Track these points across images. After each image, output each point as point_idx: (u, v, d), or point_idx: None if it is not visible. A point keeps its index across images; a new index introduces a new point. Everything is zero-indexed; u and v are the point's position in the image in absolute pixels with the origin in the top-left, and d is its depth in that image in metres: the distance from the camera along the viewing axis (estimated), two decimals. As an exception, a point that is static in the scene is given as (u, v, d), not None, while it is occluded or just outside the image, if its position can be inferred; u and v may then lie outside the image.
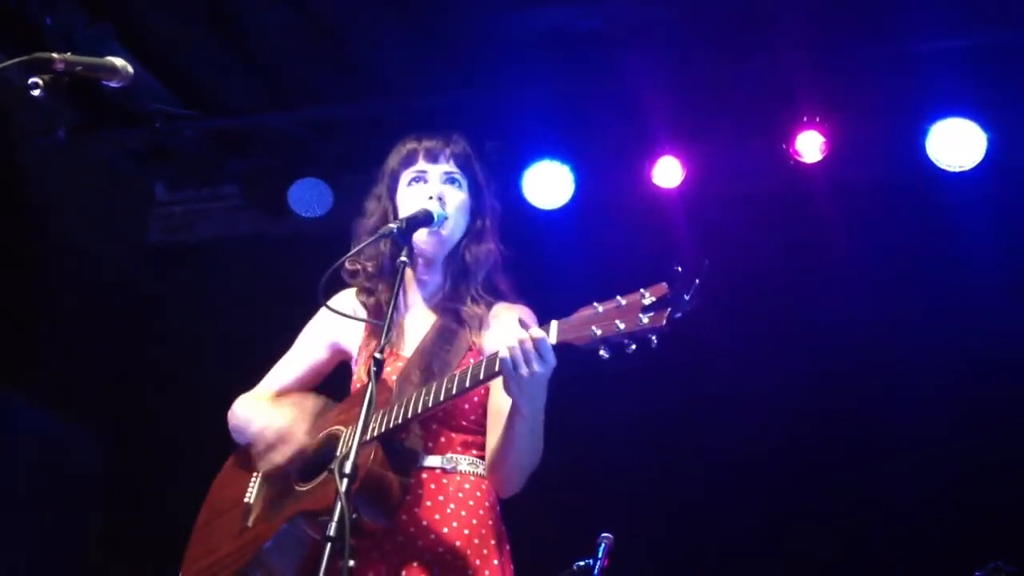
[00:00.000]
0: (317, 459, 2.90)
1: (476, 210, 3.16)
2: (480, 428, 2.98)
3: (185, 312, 6.18)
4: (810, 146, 5.34)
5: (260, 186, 6.10)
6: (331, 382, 3.33)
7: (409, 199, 3.10)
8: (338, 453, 2.78)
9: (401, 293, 3.02)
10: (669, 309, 2.45)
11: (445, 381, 2.73)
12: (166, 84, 5.64)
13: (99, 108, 5.77)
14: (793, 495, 5.29)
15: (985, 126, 5.16)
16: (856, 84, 5.33)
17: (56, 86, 2.53)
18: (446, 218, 3.03)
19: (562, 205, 5.67)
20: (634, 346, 2.49)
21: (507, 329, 2.81)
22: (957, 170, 5.19)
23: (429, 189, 3.07)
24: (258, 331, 5.99)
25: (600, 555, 4.28)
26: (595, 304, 2.56)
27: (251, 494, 3.03)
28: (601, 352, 2.52)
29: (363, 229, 3.19)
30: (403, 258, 2.82)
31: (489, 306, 3.12)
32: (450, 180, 3.11)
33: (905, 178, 5.38)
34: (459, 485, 2.91)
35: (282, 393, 3.24)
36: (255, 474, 3.05)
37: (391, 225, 2.87)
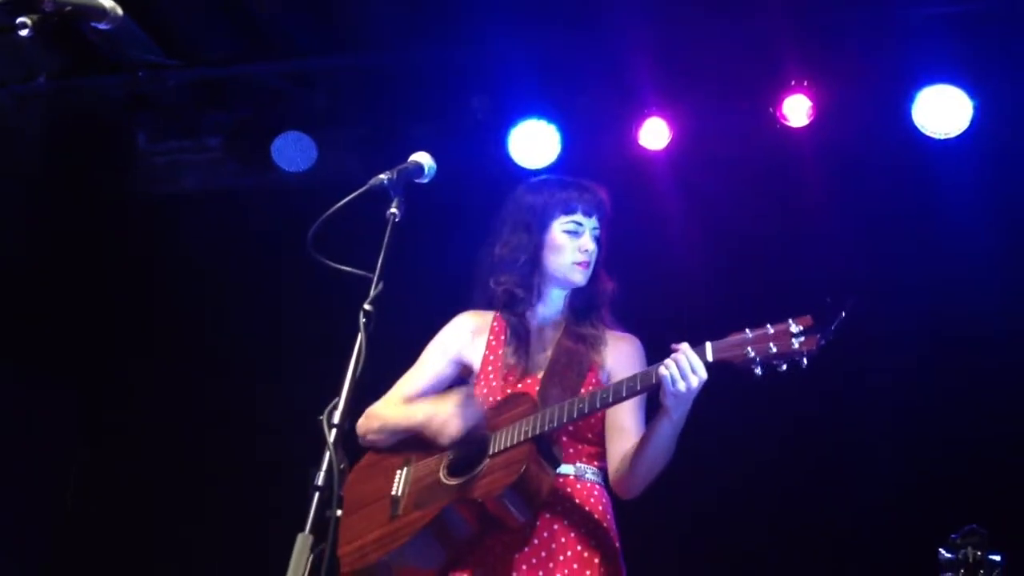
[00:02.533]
0: (464, 458, 3.18)
1: (603, 253, 3.51)
2: (600, 441, 3.30)
3: (168, 263, 6.13)
4: (797, 110, 5.33)
5: (243, 138, 6.04)
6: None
7: (561, 246, 3.43)
8: (491, 451, 3.10)
9: (529, 311, 3.46)
10: (818, 335, 2.77)
11: (600, 391, 3.07)
12: (148, 31, 5.55)
13: (80, 55, 5.67)
14: (769, 464, 5.29)
15: (972, 93, 5.15)
16: (844, 49, 5.31)
17: (44, 27, 2.49)
18: (436, 170, 3.04)
19: (548, 165, 5.62)
20: (784, 366, 2.82)
21: (629, 358, 3.35)
22: (943, 137, 5.20)
23: (582, 243, 3.43)
24: (242, 282, 5.99)
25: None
26: (746, 330, 2.87)
27: (398, 488, 3.26)
28: (755, 370, 2.84)
29: (501, 255, 3.48)
30: (393, 209, 2.83)
31: (602, 332, 3.46)
32: (596, 239, 3.46)
33: (891, 144, 5.37)
34: (590, 491, 3.25)
35: (410, 401, 3.48)
36: (399, 471, 3.30)
37: (382, 176, 2.87)
